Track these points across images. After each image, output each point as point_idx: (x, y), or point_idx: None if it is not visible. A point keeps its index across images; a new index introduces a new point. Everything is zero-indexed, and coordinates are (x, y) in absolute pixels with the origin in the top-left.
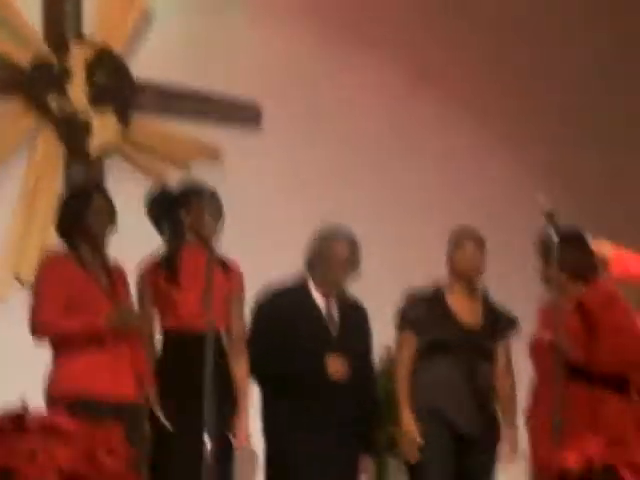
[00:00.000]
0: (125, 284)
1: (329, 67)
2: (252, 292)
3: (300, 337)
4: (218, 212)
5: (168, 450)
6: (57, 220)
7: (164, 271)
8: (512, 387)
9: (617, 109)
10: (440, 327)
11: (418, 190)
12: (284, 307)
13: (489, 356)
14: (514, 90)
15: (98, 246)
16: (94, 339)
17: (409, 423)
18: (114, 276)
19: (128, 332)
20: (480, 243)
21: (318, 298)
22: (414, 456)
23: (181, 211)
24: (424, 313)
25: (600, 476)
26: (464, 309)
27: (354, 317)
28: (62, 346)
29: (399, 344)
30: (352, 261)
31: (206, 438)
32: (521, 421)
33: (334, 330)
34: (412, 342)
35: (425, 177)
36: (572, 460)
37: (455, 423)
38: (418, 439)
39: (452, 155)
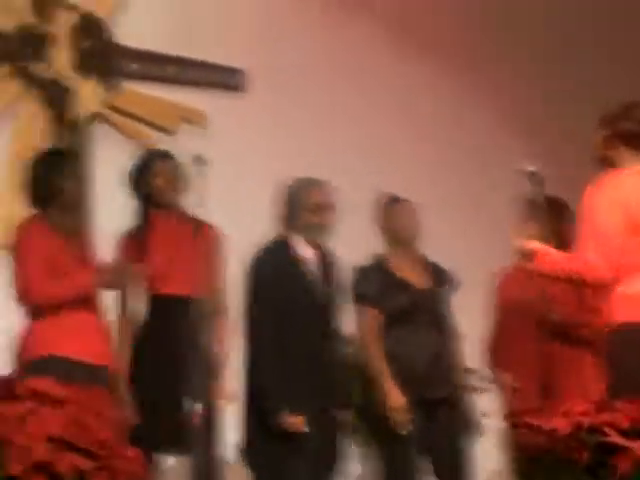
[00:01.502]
0: (93, 250)
1: (311, 28)
2: (238, 255)
3: (288, 297)
4: (177, 173)
5: (149, 417)
6: (28, 184)
7: (135, 239)
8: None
9: None
10: (393, 296)
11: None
12: (271, 266)
13: (443, 318)
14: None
15: (71, 211)
16: (76, 302)
17: (397, 398)
18: (86, 242)
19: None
20: (409, 206)
21: (302, 250)
22: (405, 427)
23: (145, 178)
24: (376, 285)
25: (587, 438)
26: (410, 274)
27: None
28: (40, 311)
29: (361, 320)
30: (329, 205)
31: (190, 403)
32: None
33: (319, 284)
34: (373, 315)
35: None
36: (561, 424)
37: (426, 390)
38: (407, 413)
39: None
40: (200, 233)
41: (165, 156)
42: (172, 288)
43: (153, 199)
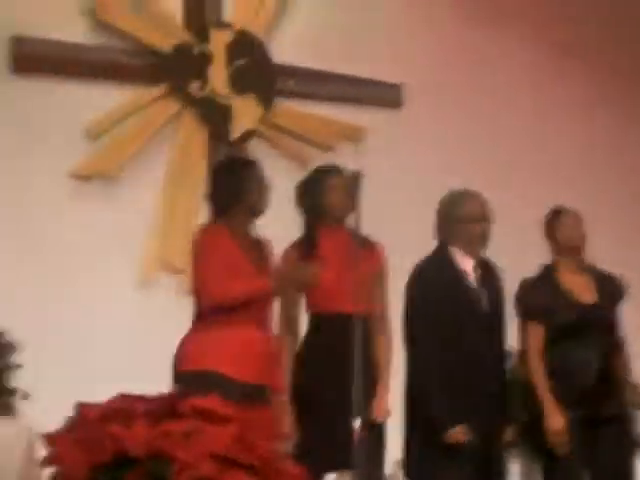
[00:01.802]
0: (271, 258)
1: (472, 48)
2: (396, 270)
3: (453, 311)
4: (353, 192)
5: (312, 434)
6: (210, 191)
7: (303, 253)
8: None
9: None
10: (561, 311)
11: (557, 169)
12: (433, 281)
13: (611, 332)
14: None
15: (252, 218)
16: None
17: (557, 421)
18: (263, 250)
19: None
20: (575, 216)
21: (462, 263)
22: (564, 449)
23: (315, 193)
24: (543, 299)
25: None
26: (578, 286)
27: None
28: (208, 322)
29: (526, 334)
30: (486, 216)
31: (354, 419)
32: None
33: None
34: (539, 330)
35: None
36: None
37: (593, 407)
38: (565, 435)
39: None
40: (367, 251)
41: (338, 172)
42: (338, 305)
43: (323, 214)
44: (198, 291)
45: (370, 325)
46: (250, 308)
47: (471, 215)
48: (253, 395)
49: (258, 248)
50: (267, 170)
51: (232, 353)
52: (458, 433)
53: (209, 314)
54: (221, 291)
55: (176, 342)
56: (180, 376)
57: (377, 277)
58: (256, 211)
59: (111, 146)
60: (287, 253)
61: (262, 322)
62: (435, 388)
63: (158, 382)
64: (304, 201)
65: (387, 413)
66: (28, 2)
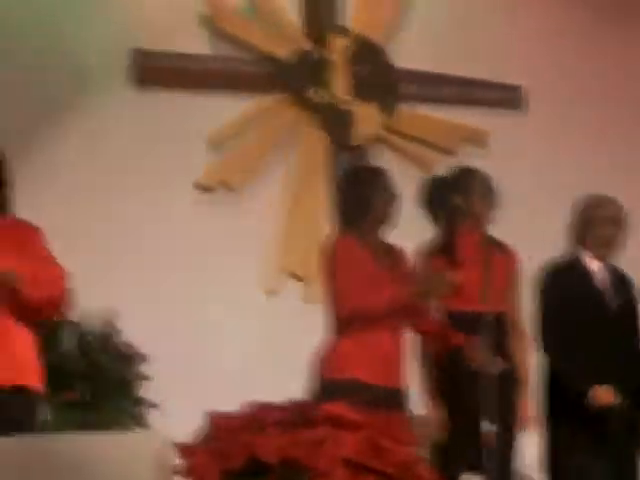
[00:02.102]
0: (407, 266)
1: (591, 51)
2: (528, 273)
3: (582, 312)
4: (490, 194)
5: (449, 438)
6: (339, 200)
7: (443, 255)
8: None
9: None
10: None
11: None
12: (564, 282)
13: None
14: None
15: (380, 227)
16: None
17: None
18: (396, 258)
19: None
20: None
21: (592, 265)
22: None
23: (454, 195)
24: None
25: None
26: None
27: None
28: (347, 329)
29: None
30: (619, 220)
31: (487, 424)
32: None
33: (611, 300)
34: None
35: None
36: None
37: None
38: None
39: None
40: (502, 253)
41: (479, 173)
42: (475, 306)
43: (463, 216)
44: (336, 302)
45: (503, 326)
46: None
47: (603, 219)
48: (390, 399)
49: (391, 256)
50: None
51: (369, 359)
52: (603, 392)
53: (347, 324)
54: (361, 303)
55: (304, 349)
56: (319, 384)
57: (511, 279)
58: (385, 220)
59: (233, 155)
60: (427, 259)
61: (397, 327)
62: (571, 365)
63: (286, 389)
64: (442, 202)
65: (530, 420)
66: (148, 15)
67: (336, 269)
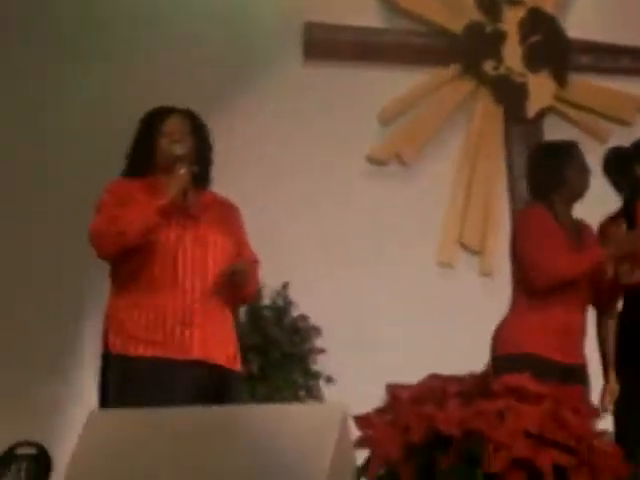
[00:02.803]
0: (592, 242)
1: None
2: None
3: None
4: None
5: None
6: (533, 173)
7: (623, 222)
8: None
9: None
10: None
11: None
12: None
13: None
14: None
15: (573, 201)
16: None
17: None
18: (584, 233)
19: None
20: None
21: None
22: None
23: (636, 165)
24: None
25: None
26: None
27: None
28: (528, 307)
29: None
30: None
31: None
32: None
33: None
34: None
35: None
36: None
37: None
38: None
39: None
40: None
41: None
42: None
43: None
44: (526, 273)
45: None
46: (568, 291)
47: None
48: (571, 375)
49: (578, 231)
50: None
51: (550, 334)
52: None
53: (544, 293)
54: (555, 267)
55: (479, 322)
56: (499, 359)
57: None
58: (577, 194)
59: (407, 129)
60: (610, 224)
61: (578, 304)
62: None
63: (461, 363)
64: (625, 173)
65: None
66: None
67: (526, 239)
